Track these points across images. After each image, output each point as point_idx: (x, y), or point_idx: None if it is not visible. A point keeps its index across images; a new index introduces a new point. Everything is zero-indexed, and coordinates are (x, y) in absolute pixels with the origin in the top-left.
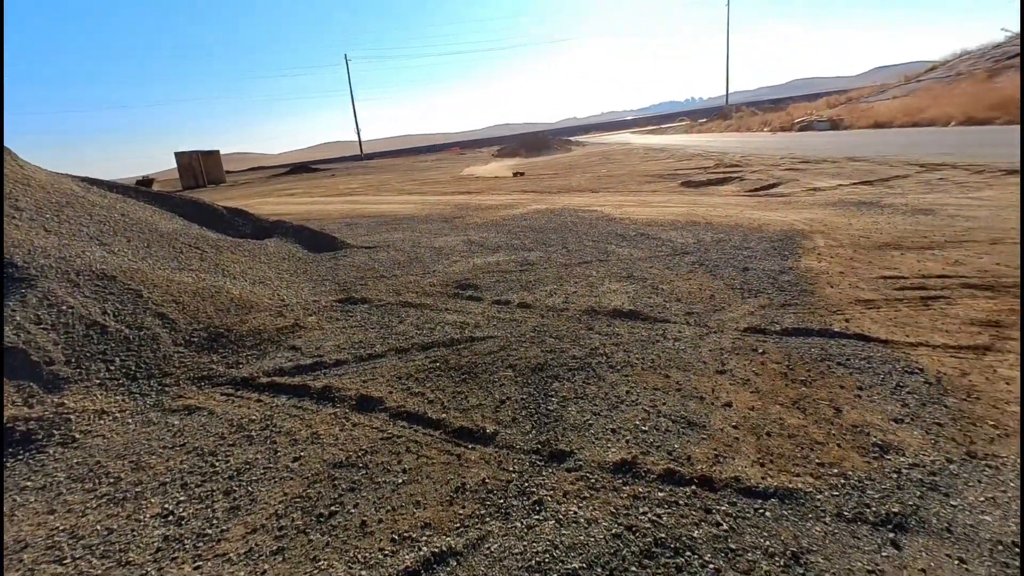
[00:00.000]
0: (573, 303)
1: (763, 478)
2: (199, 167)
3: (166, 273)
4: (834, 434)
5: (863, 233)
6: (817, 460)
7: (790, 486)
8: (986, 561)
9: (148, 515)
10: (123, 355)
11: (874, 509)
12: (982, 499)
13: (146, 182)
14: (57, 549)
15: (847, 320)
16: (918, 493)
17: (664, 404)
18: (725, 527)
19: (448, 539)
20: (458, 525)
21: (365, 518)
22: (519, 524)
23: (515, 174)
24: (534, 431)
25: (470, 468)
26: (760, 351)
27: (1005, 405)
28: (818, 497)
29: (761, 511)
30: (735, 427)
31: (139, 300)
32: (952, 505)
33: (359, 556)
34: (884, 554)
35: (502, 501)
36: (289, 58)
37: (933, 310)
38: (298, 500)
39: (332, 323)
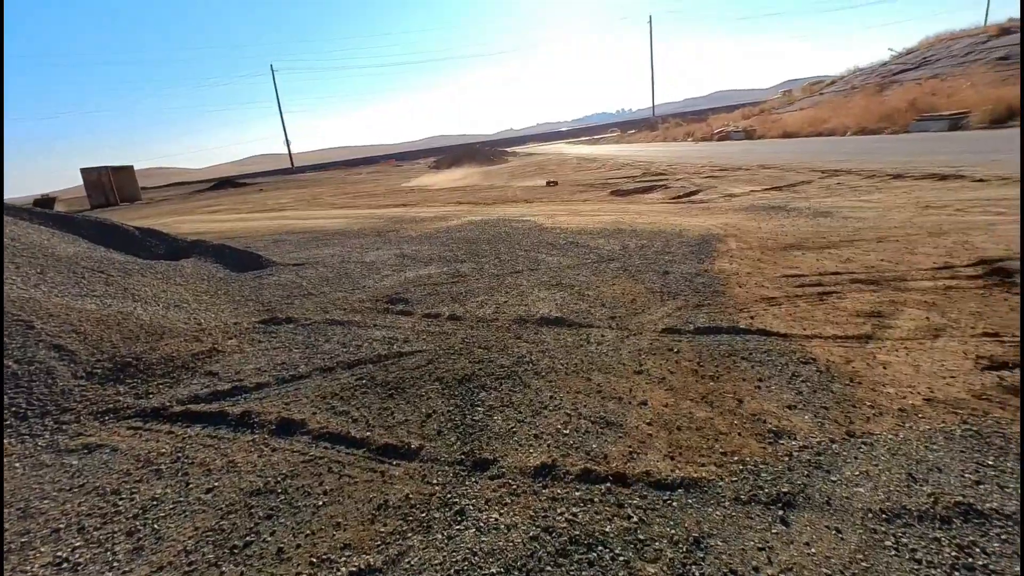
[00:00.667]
0: (503, 313)
1: (672, 470)
2: (109, 184)
3: (64, 301)
4: (736, 424)
5: (770, 235)
6: (721, 450)
7: (696, 476)
8: (857, 528)
9: (37, 565)
10: (11, 393)
11: (766, 490)
12: (857, 473)
13: (46, 201)
14: None
15: (752, 317)
16: (805, 472)
17: (585, 407)
18: (635, 519)
19: (368, 557)
20: (379, 543)
21: (282, 545)
22: (440, 536)
23: (548, 183)
24: (459, 442)
25: (394, 484)
26: (675, 350)
27: (881, 387)
28: (719, 484)
29: (669, 502)
30: (649, 424)
31: (30, 332)
32: (832, 481)
33: None
34: (774, 531)
35: (424, 515)
36: (209, 68)
37: (827, 304)
38: (210, 533)
39: (254, 345)
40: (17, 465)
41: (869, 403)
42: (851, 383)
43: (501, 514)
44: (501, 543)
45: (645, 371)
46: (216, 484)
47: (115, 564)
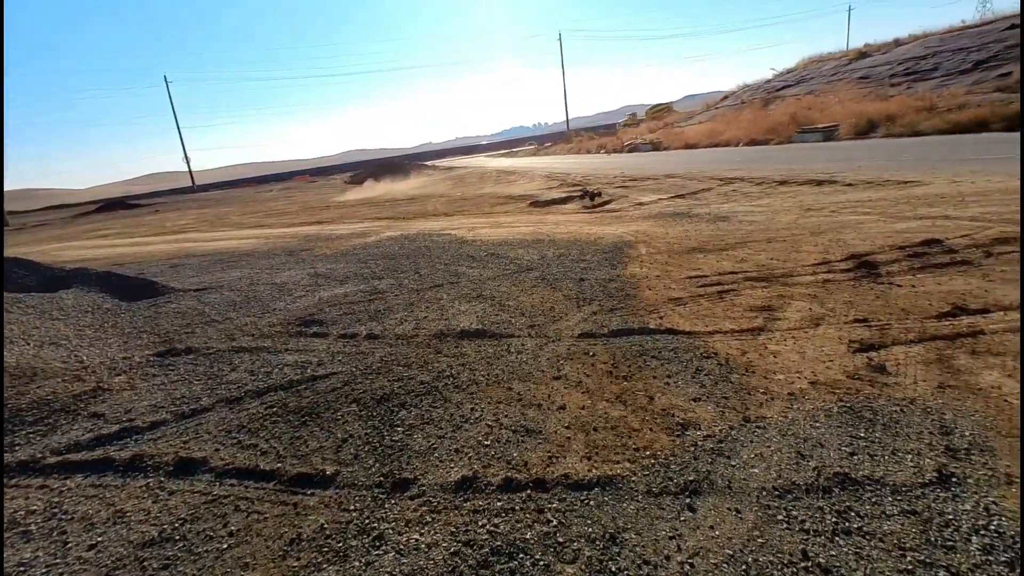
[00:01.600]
0: (423, 328)
1: (589, 471)
2: None
3: None
4: (648, 420)
5: (676, 240)
6: (634, 446)
7: (611, 473)
8: (754, 507)
9: None
10: None
11: (675, 481)
12: (753, 456)
13: None
14: None
15: (661, 317)
16: (709, 460)
17: (506, 416)
18: (555, 523)
19: None
20: None
21: None
22: (358, 563)
23: (588, 196)
24: (377, 464)
25: (307, 516)
26: (591, 354)
27: (772, 374)
28: (633, 479)
29: (587, 501)
30: (567, 427)
31: None
32: (732, 465)
33: None
34: (682, 519)
35: (340, 544)
36: (93, 78)
37: (725, 302)
38: None
39: (147, 380)
40: None
41: (762, 390)
42: (747, 373)
43: (422, 534)
44: (422, 563)
45: (563, 376)
46: (100, 539)
47: None
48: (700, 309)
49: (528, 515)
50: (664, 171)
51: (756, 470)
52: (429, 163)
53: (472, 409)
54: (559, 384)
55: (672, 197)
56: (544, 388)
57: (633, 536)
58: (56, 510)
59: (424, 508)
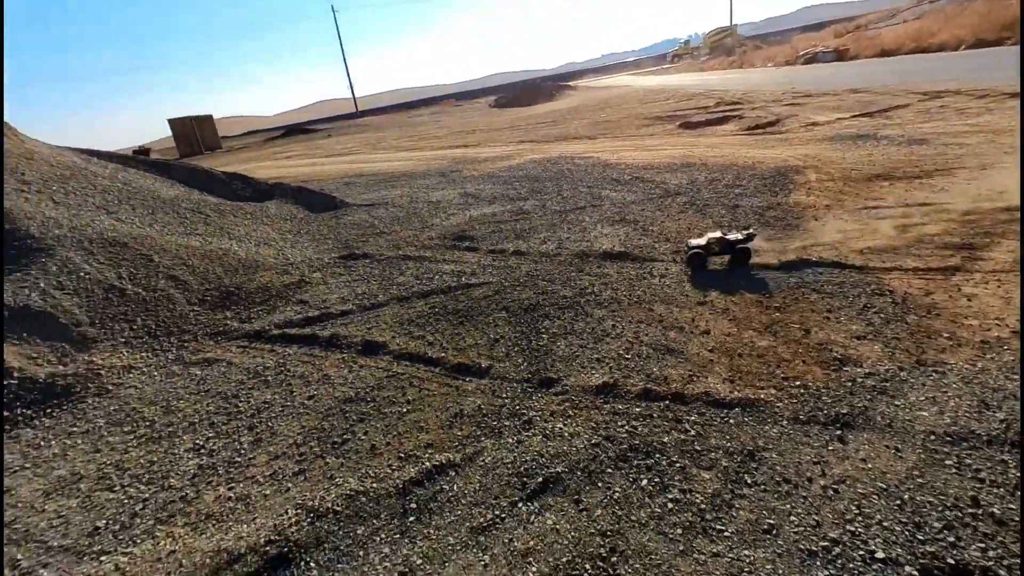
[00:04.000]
0: (566, 248)
1: (731, 392)
2: (194, 134)
3: (174, 238)
4: (800, 352)
5: (855, 166)
6: (782, 375)
7: (754, 397)
8: (917, 449)
9: (182, 449)
10: (143, 315)
11: (826, 412)
12: (923, 399)
13: (143, 151)
14: (107, 479)
15: (826, 249)
16: (868, 397)
17: (646, 335)
18: (693, 433)
19: (447, 455)
20: (456, 444)
21: (374, 443)
22: (510, 440)
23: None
24: (525, 363)
25: (467, 397)
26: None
27: (963, 319)
28: (778, 405)
29: (726, 419)
30: (710, 351)
31: (151, 264)
32: (896, 405)
33: (370, 472)
34: (830, 448)
35: (495, 423)
36: (265, 15)
37: (911, 235)
38: (314, 431)
39: (336, 278)
40: (156, 373)
41: (947, 335)
42: (928, 315)
43: (565, 424)
44: (565, 448)
45: (709, 302)
46: (315, 392)
47: (241, 451)
48: (876, 244)
49: (666, 423)
50: (848, 85)
51: (924, 413)
52: (571, 83)
53: (613, 325)
54: (703, 310)
55: (854, 116)
56: (687, 312)
57: (774, 456)
58: (282, 369)
59: (567, 404)
